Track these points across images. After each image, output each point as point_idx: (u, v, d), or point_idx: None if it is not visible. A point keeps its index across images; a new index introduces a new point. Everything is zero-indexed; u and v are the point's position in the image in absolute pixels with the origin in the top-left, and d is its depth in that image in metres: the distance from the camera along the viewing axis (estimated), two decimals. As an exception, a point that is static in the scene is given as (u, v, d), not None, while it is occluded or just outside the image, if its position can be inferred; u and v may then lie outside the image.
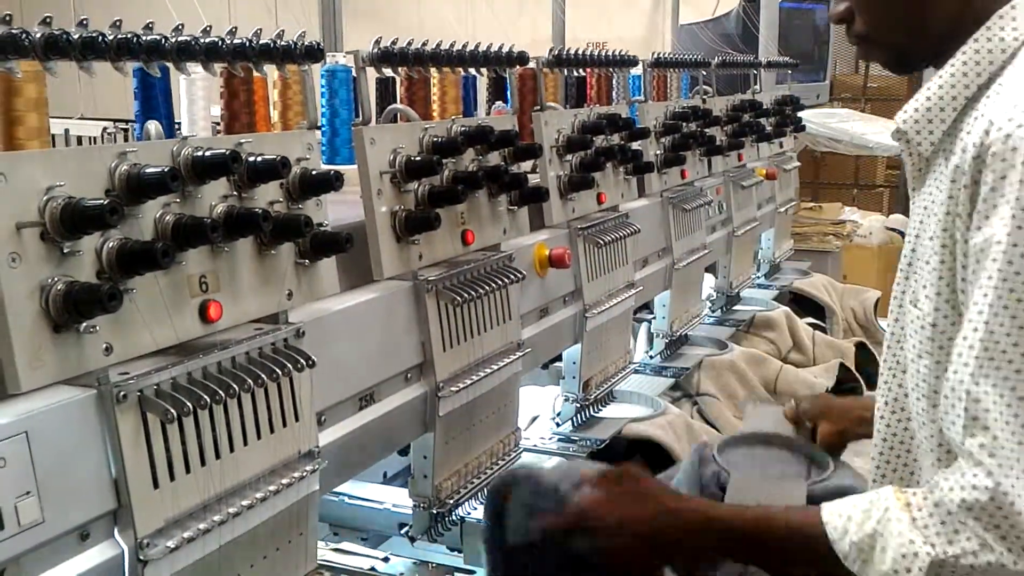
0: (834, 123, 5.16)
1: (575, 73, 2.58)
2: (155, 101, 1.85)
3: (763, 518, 1.29)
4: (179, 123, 1.96)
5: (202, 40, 1.17)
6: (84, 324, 1.02)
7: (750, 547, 1.30)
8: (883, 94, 7.18)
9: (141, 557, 1.07)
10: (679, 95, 3.15)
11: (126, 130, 3.90)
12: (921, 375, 1.22)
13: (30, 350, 0.98)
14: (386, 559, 1.68)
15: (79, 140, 4.21)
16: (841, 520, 1.21)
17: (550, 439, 2.27)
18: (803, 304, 3.87)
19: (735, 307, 3.49)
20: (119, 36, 1.07)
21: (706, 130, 2.88)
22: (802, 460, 1.75)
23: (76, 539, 1.04)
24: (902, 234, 4.72)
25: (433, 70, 1.80)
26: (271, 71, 1.55)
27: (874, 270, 5.35)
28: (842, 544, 1.19)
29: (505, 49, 1.88)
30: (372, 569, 1.66)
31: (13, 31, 0.96)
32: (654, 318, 2.91)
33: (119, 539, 1.08)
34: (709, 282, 3.37)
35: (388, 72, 1.68)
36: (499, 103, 2.60)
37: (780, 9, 5.14)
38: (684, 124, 2.71)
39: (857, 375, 3.19)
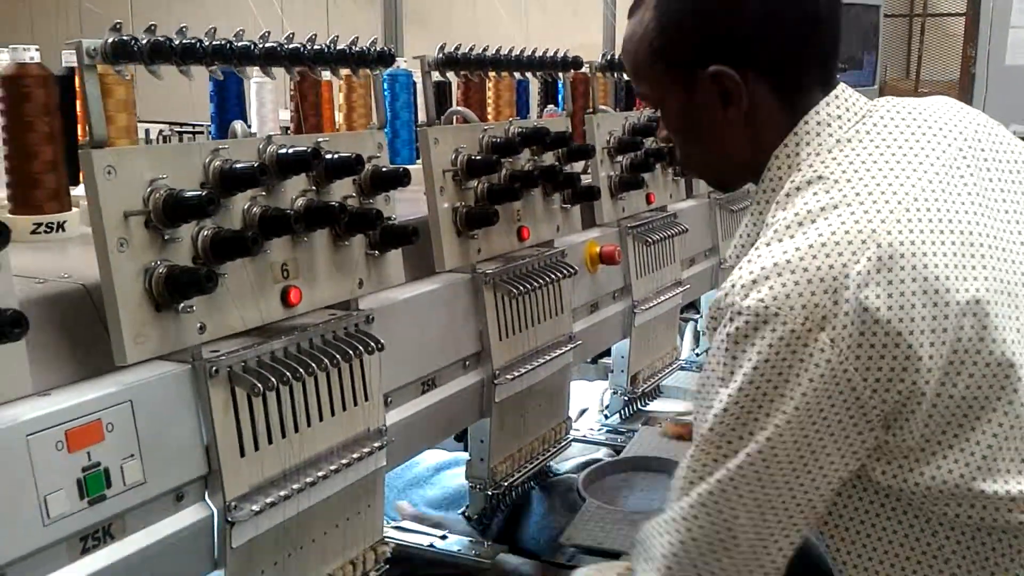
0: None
1: (625, 77, 2.66)
2: (229, 103, 1.97)
3: None
4: (249, 125, 2.07)
5: (287, 46, 1.27)
6: (182, 304, 1.12)
7: None
8: (934, 99, 7.14)
9: (229, 519, 1.17)
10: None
11: (181, 132, 4.05)
12: None
13: (135, 327, 1.08)
14: (444, 536, 1.77)
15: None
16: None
17: (599, 430, 2.36)
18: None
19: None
20: (214, 43, 1.17)
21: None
22: None
23: (172, 500, 1.14)
24: None
25: (490, 73, 1.90)
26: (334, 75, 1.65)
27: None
28: None
29: (560, 54, 1.97)
30: (431, 546, 1.75)
31: (124, 37, 1.07)
32: (700, 317, 2.99)
33: (209, 502, 1.18)
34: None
35: (442, 76, 1.77)
36: (551, 106, 2.69)
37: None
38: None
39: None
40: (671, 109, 1.32)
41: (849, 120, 1.25)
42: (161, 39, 1.10)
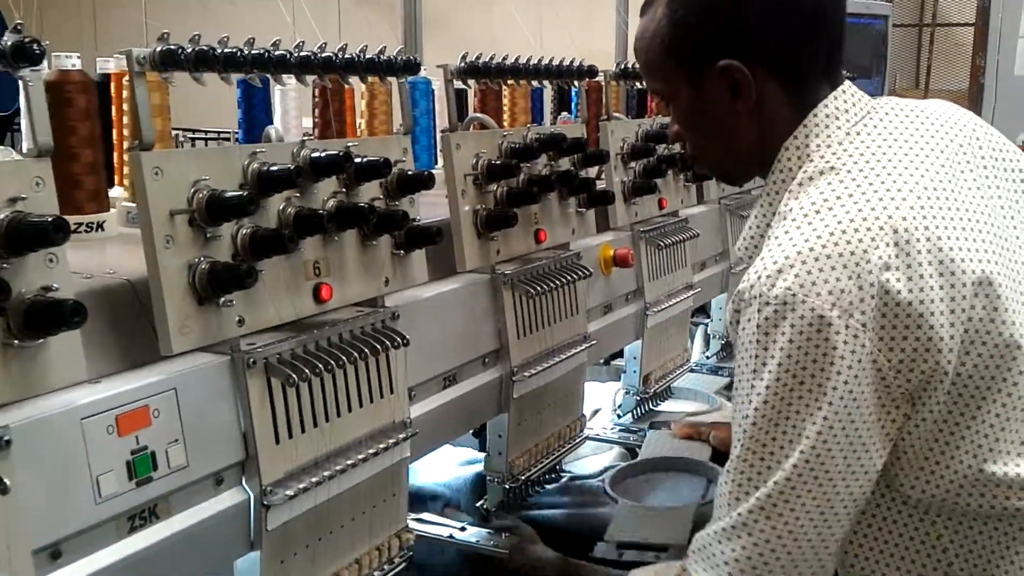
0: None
1: (636, 85, 2.73)
2: (256, 110, 2.04)
3: None
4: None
5: (320, 55, 1.33)
6: (223, 299, 1.19)
7: None
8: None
9: (265, 502, 1.24)
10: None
11: (194, 139, 4.13)
12: None
13: (180, 319, 1.15)
14: (463, 528, 1.83)
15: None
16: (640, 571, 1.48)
17: (612, 429, 2.42)
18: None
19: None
20: (252, 52, 1.24)
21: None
22: (703, 482, 1.96)
23: (212, 483, 1.21)
24: None
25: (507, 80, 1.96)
26: (357, 83, 1.71)
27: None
28: None
29: (575, 62, 2.03)
30: (451, 536, 1.81)
31: (171, 47, 1.13)
32: (710, 321, 3.05)
33: (246, 486, 1.24)
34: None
35: (463, 83, 1.84)
36: (564, 113, 2.76)
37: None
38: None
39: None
40: (682, 104, 1.38)
41: (856, 114, 1.31)
42: (205, 48, 1.16)
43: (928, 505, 1.25)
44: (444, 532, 1.83)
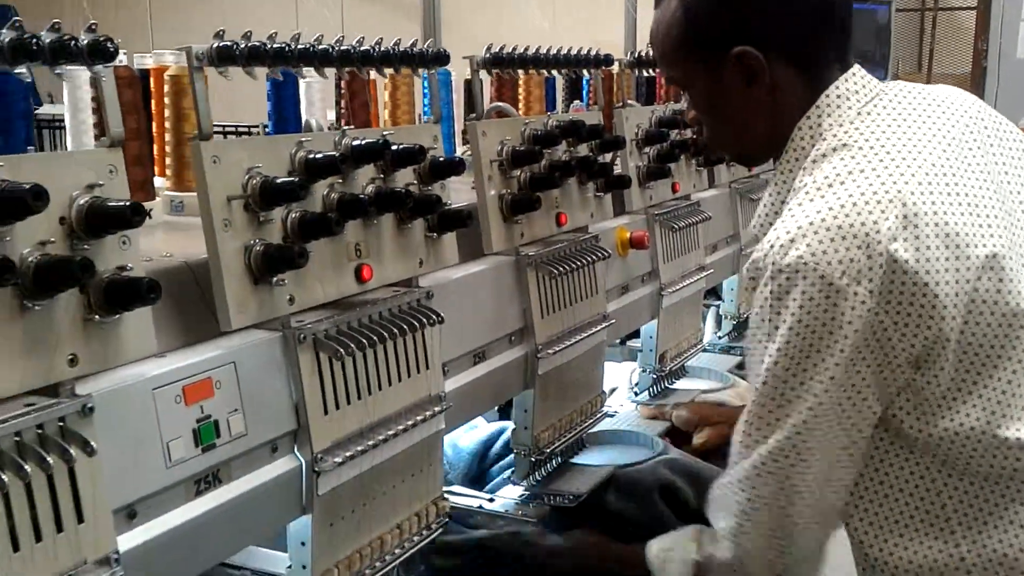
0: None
1: (645, 73, 2.80)
2: (287, 102, 2.12)
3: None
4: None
5: (359, 48, 1.41)
6: (276, 278, 1.27)
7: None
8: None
9: (316, 469, 1.32)
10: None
11: (225, 132, 4.20)
12: None
13: (237, 297, 1.23)
14: (491, 500, 1.92)
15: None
16: (658, 540, 1.59)
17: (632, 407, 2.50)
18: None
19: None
20: (282, 44, 1.32)
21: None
22: (644, 451, 2.12)
23: (268, 451, 1.29)
24: None
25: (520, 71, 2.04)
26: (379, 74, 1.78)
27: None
28: (651, 553, 1.56)
29: (590, 51, 2.11)
30: (480, 507, 1.90)
31: (227, 43, 1.22)
32: (722, 302, 3.13)
33: (298, 454, 1.33)
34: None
35: (488, 73, 1.92)
36: (576, 101, 2.84)
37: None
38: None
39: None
40: (699, 91, 1.46)
41: (866, 95, 1.38)
42: (257, 44, 1.25)
43: (932, 455, 1.33)
44: (474, 503, 1.92)
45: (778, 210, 1.42)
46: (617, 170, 2.23)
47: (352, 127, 1.53)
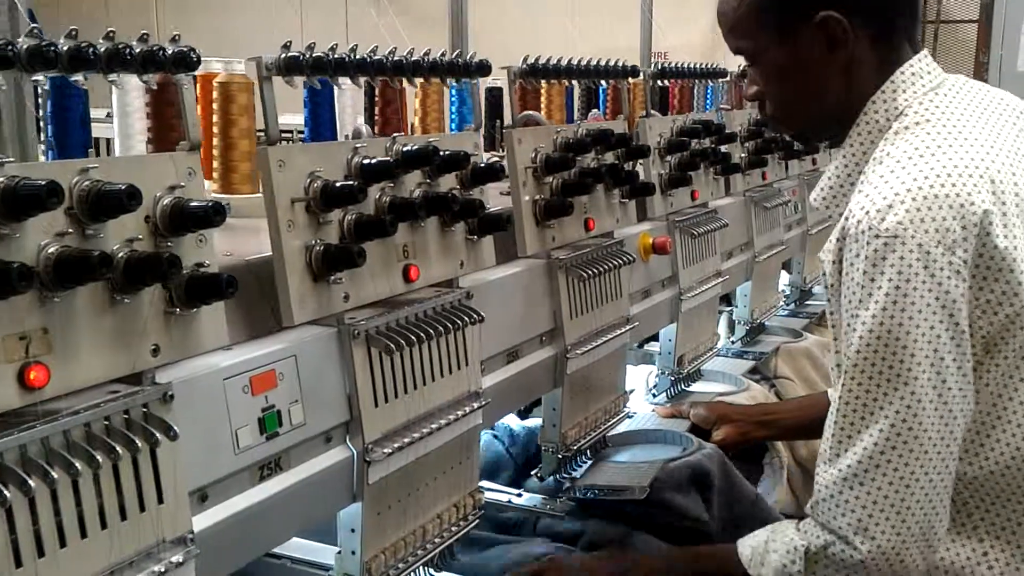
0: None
1: (659, 83, 2.87)
2: (322, 108, 2.19)
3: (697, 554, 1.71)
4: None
5: (410, 59, 1.48)
6: (333, 276, 1.34)
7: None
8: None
9: (367, 459, 1.39)
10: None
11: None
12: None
13: (300, 294, 1.30)
14: (519, 494, 1.99)
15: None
16: (749, 539, 1.56)
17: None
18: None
19: (807, 302, 3.74)
20: (347, 56, 1.39)
21: (785, 136, 3.15)
22: (676, 448, 2.15)
23: (323, 440, 1.36)
24: None
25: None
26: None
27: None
28: (745, 552, 1.53)
29: (611, 61, 2.18)
30: (509, 501, 1.96)
31: (294, 54, 1.28)
32: (735, 307, 3.19)
33: (350, 444, 1.39)
34: (783, 279, 3.63)
35: (526, 84, 1.99)
36: (594, 110, 2.91)
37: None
38: (766, 130, 2.99)
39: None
40: (771, 61, 1.46)
41: (935, 78, 1.43)
42: (320, 55, 1.31)
43: (970, 484, 1.38)
44: (503, 498, 1.98)
45: (853, 181, 1.44)
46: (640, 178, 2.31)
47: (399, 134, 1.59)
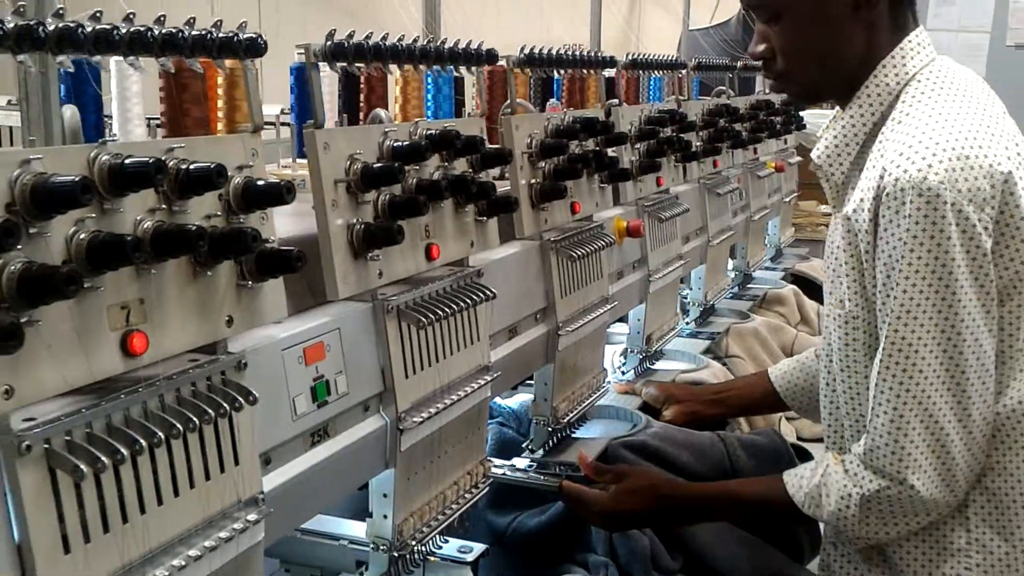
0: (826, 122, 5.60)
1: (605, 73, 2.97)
2: (304, 95, 2.25)
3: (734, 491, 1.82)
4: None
5: (421, 44, 1.55)
6: (371, 254, 1.41)
7: (731, 511, 1.82)
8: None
9: (400, 427, 1.46)
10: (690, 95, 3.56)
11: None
12: (844, 362, 1.61)
13: (343, 269, 1.37)
14: (513, 467, 2.07)
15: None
16: (796, 479, 1.66)
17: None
18: (802, 285, 4.30)
19: (748, 285, 3.90)
20: (387, 43, 1.46)
21: (734, 125, 3.30)
22: (627, 425, 2.29)
23: (361, 409, 1.43)
24: None
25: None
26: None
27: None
28: (798, 496, 1.64)
29: (594, 54, 2.28)
30: (504, 474, 2.05)
31: (340, 40, 1.35)
32: (690, 290, 3.33)
33: (383, 413, 1.47)
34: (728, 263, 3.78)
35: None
36: (552, 100, 3.00)
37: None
38: (721, 120, 3.13)
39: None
40: (794, 18, 1.54)
41: (932, 51, 1.56)
42: (360, 42, 1.38)
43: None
44: (498, 471, 2.07)
45: (859, 140, 1.54)
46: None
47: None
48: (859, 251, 1.51)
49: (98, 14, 1.13)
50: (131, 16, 1.16)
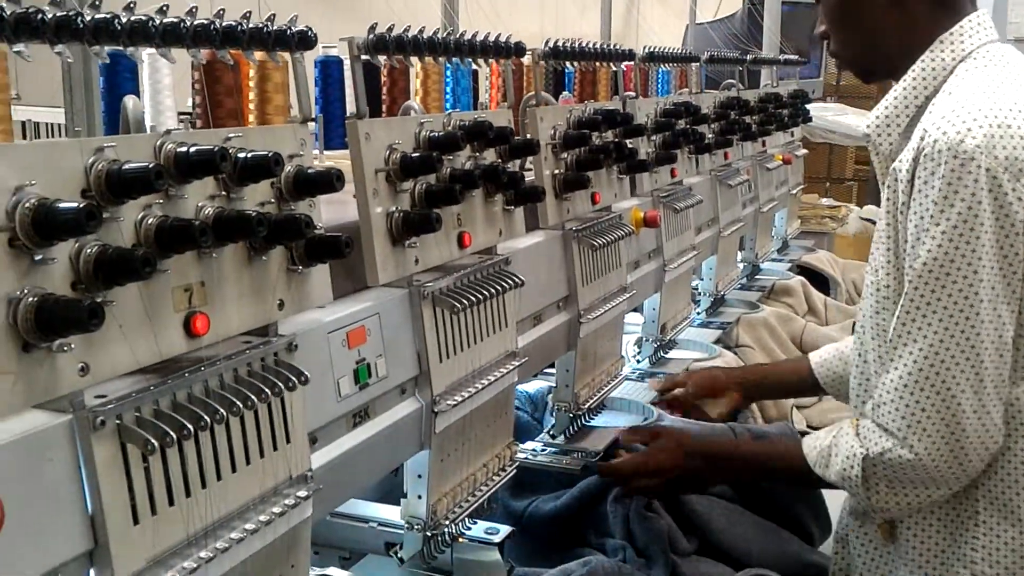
0: (830, 116, 5.65)
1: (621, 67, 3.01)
2: (333, 88, 2.30)
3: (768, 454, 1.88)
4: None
5: (445, 38, 1.59)
6: (409, 241, 1.45)
7: (752, 470, 1.87)
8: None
9: (435, 410, 1.51)
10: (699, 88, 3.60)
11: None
12: (875, 330, 1.65)
13: (383, 256, 1.41)
14: (534, 452, 2.12)
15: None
16: (812, 439, 1.72)
17: (632, 373, 2.72)
18: (808, 276, 4.34)
19: (756, 276, 3.95)
20: (421, 36, 1.50)
21: (744, 117, 3.34)
22: (638, 418, 2.33)
23: (398, 392, 1.47)
24: (875, 223, 5.18)
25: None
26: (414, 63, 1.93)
27: (851, 255, 5.86)
28: (811, 455, 1.69)
29: (615, 47, 2.32)
30: (526, 458, 2.09)
31: (382, 32, 1.39)
32: (700, 280, 3.37)
33: (418, 396, 1.51)
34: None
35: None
36: (565, 92, 3.05)
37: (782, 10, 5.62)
38: (732, 113, 3.17)
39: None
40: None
41: (991, 32, 1.60)
42: (399, 36, 1.42)
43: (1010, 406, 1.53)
44: (520, 455, 2.11)
45: (910, 113, 1.58)
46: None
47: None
48: (897, 208, 1.54)
49: (132, 5, 1.16)
50: (165, 8, 1.19)
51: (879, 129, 1.64)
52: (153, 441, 0.97)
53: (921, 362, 1.49)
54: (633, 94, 2.56)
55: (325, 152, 2.17)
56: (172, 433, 0.99)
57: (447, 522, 1.59)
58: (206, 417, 1.03)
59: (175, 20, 1.12)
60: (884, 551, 1.68)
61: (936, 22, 1.60)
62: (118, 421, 0.97)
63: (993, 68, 1.55)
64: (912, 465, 1.52)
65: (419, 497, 1.56)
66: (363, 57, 1.43)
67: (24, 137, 4.87)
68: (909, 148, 1.52)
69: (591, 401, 2.17)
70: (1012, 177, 1.43)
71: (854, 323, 3.70)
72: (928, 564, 1.61)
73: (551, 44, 1.99)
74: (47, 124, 4.91)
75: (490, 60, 2.02)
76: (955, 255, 1.45)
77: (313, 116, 1.27)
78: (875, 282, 1.62)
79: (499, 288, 1.65)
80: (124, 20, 1.06)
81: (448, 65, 2.60)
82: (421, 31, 1.51)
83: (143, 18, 1.08)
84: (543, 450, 2.12)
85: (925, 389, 1.50)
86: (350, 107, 2.34)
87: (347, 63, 2.33)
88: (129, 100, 1.24)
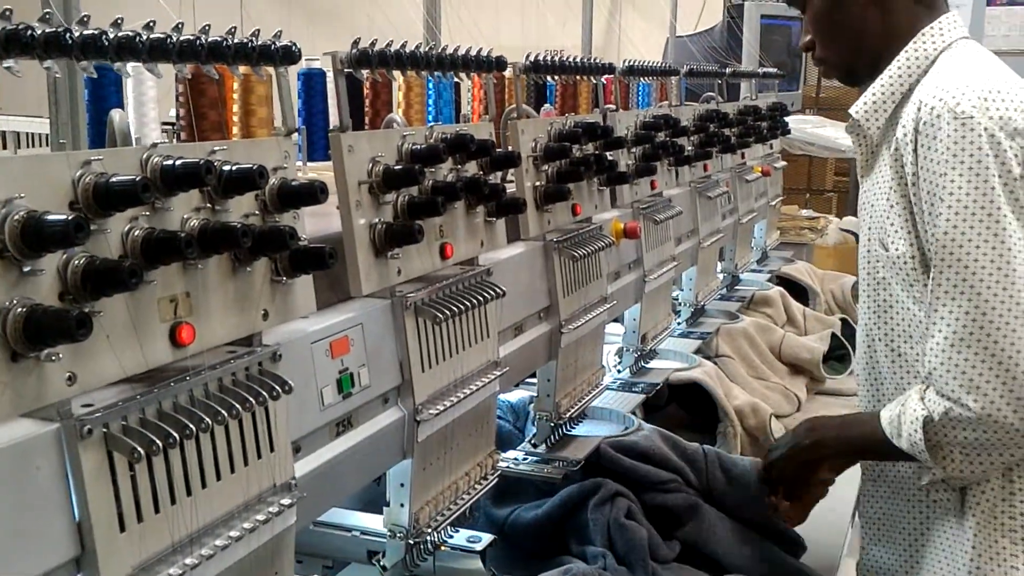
0: (809, 128, 5.71)
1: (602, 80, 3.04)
2: (315, 99, 2.32)
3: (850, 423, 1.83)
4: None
5: (427, 52, 1.62)
6: (391, 252, 1.47)
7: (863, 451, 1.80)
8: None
9: (417, 419, 1.53)
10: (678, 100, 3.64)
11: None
12: (882, 307, 1.68)
13: (366, 267, 1.43)
14: (516, 461, 2.14)
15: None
16: (887, 410, 1.71)
17: (613, 383, 2.75)
18: (787, 287, 4.38)
19: (736, 287, 3.98)
20: (404, 50, 1.52)
21: (724, 130, 3.38)
22: (618, 427, 2.34)
23: (381, 402, 1.49)
24: (854, 235, 5.21)
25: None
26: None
27: (830, 266, 5.91)
28: (887, 427, 1.69)
29: (594, 60, 2.35)
30: (508, 466, 2.11)
31: (364, 48, 1.41)
32: (680, 291, 3.41)
33: (401, 405, 1.53)
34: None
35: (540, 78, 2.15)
36: (546, 105, 3.08)
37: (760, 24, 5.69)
38: (711, 125, 3.21)
39: (846, 342, 3.71)
40: (815, 4, 1.71)
41: (964, 26, 1.69)
42: (382, 50, 1.44)
43: None
44: (502, 464, 2.13)
45: (896, 99, 1.66)
46: (610, 168, 2.48)
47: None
48: (906, 184, 1.59)
49: (119, 21, 1.18)
50: (152, 24, 1.21)
51: (867, 115, 1.71)
52: (139, 449, 0.98)
53: (963, 318, 1.50)
54: (613, 107, 2.59)
55: (308, 164, 2.18)
56: (158, 441, 1.00)
57: (429, 530, 1.60)
58: (191, 425, 1.04)
59: (161, 36, 1.13)
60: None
61: (916, 17, 1.68)
62: (105, 429, 0.98)
63: (974, 55, 1.64)
64: (979, 420, 1.49)
65: (401, 505, 1.57)
66: (346, 71, 1.46)
67: (5, 147, 4.87)
68: (908, 120, 1.58)
69: (572, 410, 2.19)
70: (1008, 136, 1.49)
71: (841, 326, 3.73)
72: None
73: (532, 58, 2.02)
74: (27, 134, 4.90)
75: (472, 73, 2.06)
76: (976, 209, 1.48)
77: (296, 128, 1.28)
78: (888, 257, 1.64)
79: (481, 299, 1.67)
80: (112, 36, 1.07)
81: (430, 78, 2.65)
82: (403, 45, 1.53)
83: (130, 34, 1.09)
84: (525, 459, 2.14)
85: (972, 345, 1.49)
86: (333, 118, 2.38)
87: (330, 76, 2.36)
88: (116, 114, 1.26)
